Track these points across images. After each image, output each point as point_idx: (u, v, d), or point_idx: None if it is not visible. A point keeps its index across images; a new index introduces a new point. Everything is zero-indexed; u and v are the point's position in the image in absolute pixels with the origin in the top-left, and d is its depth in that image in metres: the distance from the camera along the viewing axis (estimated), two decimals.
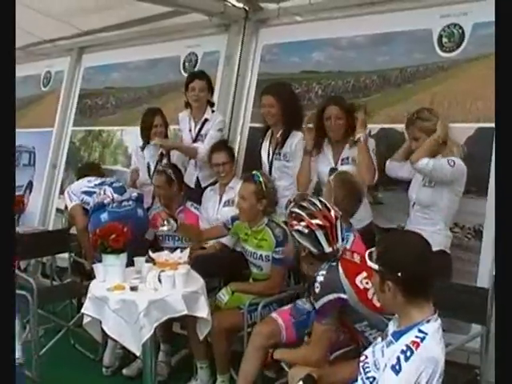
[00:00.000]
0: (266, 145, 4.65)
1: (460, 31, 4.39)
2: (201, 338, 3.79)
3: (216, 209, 4.69)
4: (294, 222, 3.14)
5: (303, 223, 3.09)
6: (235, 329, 3.97)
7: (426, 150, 3.72)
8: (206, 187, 4.95)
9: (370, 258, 2.35)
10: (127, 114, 5.51)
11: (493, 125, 4.10)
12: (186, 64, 6.02)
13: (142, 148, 5.19)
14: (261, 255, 4.08)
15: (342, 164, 4.19)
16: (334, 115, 4.14)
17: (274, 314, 3.73)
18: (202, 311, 3.65)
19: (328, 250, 3.06)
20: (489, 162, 4.11)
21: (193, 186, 5.05)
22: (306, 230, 3.08)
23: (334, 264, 3.00)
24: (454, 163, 3.70)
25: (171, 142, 5.20)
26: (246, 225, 4.16)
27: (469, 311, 3.55)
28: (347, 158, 4.19)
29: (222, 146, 4.79)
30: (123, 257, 3.76)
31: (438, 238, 3.68)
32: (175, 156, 5.14)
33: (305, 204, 3.15)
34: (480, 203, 4.13)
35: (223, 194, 4.69)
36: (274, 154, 4.56)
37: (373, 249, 2.39)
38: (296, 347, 3.33)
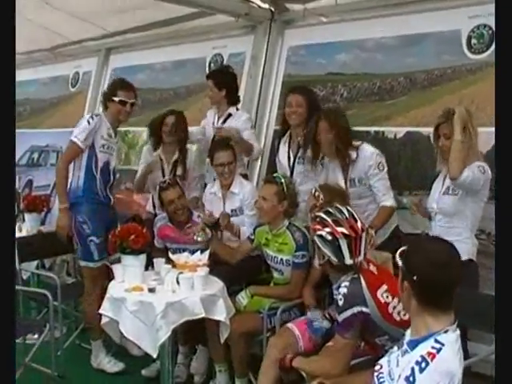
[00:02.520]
0: (284, 148, 4.57)
1: (490, 32, 4.28)
2: (221, 340, 3.74)
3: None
4: (318, 227, 3.05)
5: (327, 229, 3.00)
6: (254, 332, 3.92)
7: (460, 160, 3.47)
8: None
9: (400, 255, 2.25)
10: (153, 115, 5.48)
11: None
12: (212, 65, 6.00)
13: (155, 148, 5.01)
14: (281, 259, 4.02)
15: (350, 186, 4.08)
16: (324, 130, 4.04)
17: (289, 324, 3.67)
18: (220, 314, 3.61)
19: (349, 261, 2.97)
20: None
21: None
22: (330, 237, 2.99)
23: (356, 276, 2.93)
24: (484, 170, 3.54)
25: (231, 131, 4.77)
26: (267, 229, 4.10)
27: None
28: (354, 180, 4.08)
29: (225, 144, 4.58)
30: (142, 258, 3.74)
31: (465, 247, 3.50)
32: (192, 160, 5.02)
33: (331, 210, 3.06)
34: None
35: (226, 199, 4.54)
36: (295, 157, 4.48)
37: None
38: (314, 355, 3.27)
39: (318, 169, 4.27)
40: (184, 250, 4.28)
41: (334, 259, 3.00)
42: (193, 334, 4.25)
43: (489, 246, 4.07)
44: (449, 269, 2.14)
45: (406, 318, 2.80)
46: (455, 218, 3.66)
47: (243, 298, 3.99)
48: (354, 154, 4.03)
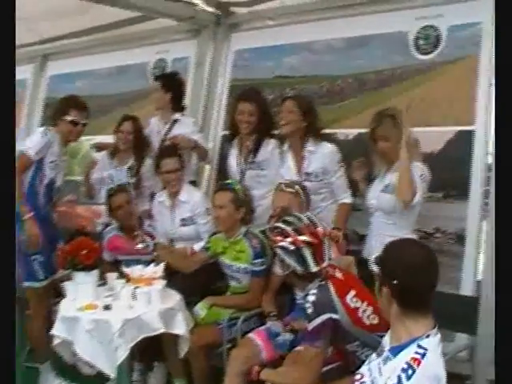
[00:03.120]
0: (234, 153, 4.49)
1: (436, 33, 4.32)
2: (181, 355, 3.61)
3: (172, 225, 4.42)
4: (279, 238, 2.96)
5: (289, 239, 2.92)
6: (214, 345, 3.80)
7: (409, 183, 3.44)
8: None
9: (375, 261, 2.20)
10: (95, 123, 5.28)
11: (472, 128, 4.06)
12: (156, 71, 5.85)
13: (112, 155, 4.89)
14: (239, 268, 3.92)
15: (305, 180, 4.01)
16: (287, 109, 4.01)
17: (250, 335, 3.60)
18: (180, 328, 3.48)
19: (314, 269, 2.90)
20: (469, 166, 4.04)
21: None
22: (292, 247, 2.91)
23: (323, 283, 2.86)
24: (425, 177, 3.56)
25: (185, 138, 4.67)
26: (224, 237, 3.99)
27: (456, 320, 3.44)
28: (311, 174, 4.04)
29: (173, 151, 4.47)
30: (95, 273, 3.58)
31: None
32: (145, 169, 4.83)
33: (289, 219, 2.99)
34: (461, 207, 4.06)
35: (175, 208, 4.41)
36: (246, 163, 4.40)
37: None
38: (278, 365, 3.19)
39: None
40: (137, 262, 4.11)
41: (299, 269, 2.93)
42: (149, 350, 4.09)
43: (444, 244, 4.09)
44: (428, 271, 2.13)
45: (376, 322, 2.80)
46: (394, 215, 3.65)
47: (201, 309, 3.86)
48: (312, 147, 4.00)
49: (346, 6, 4.71)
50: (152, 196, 4.78)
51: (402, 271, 2.10)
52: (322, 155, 4.01)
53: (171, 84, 4.85)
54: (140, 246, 4.09)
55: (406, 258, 2.14)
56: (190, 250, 4.27)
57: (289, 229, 2.93)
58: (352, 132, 4.54)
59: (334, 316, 2.79)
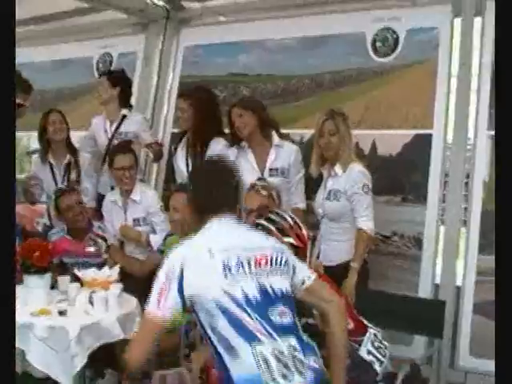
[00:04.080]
0: (182, 153, 4.35)
1: (394, 36, 4.33)
2: None
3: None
4: None
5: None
6: (172, 350, 3.65)
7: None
8: None
9: None
10: (32, 119, 5.01)
11: (430, 131, 4.09)
12: (100, 65, 5.63)
13: (43, 155, 4.64)
14: None
15: (270, 175, 3.94)
16: (237, 114, 3.94)
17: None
18: None
19: None
20: (426, 169, 4.07)
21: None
22: None
23: None
24: (369, 187, 3.58)
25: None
26: (179, 238, 3.84)
27: (422, 324, 3.45)
28: (276, 170, 3.97)
29: (127, 147, 4.32)
30: (48, 277, 3.36)
31: (347, 247, 3.58)
32: (86, 164, 4.66)
33: (274, 217, 2.86)
34: (418, 211, 4.08)
35: (127, 207, 4.25)
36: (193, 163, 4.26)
37: None
38: None
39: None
40: (85, 265, 3.94)
41: None
42: (100, 355, 3.89)
43: (402, 247, 4.09)
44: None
45: (351, 326, 2.71)
46: (339, 220, 3.67)
47: None
48: (278, 142, 3.95)
49: (300, 6, 4.66)
50: (100, 195, 4.60)
51: None
52: (288, 151, 3.97)
53: (119, 78, 4.66)
54: (91, 248, 3.88)
55: None
56: (145, 237, 4.12)
57: (273, 228, 2.81)
58: (307, 133, 4.46)
59: (310, 321, 2.70)
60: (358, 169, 3.61)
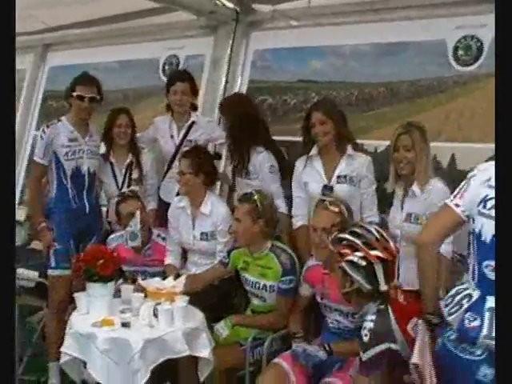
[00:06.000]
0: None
1: (478, 44, 4.07)
2: (201, 378, 3.31)
3: (191, 238, 4.07)
4: (347, 251, 2.69)
5: (359, 254, 2.65)
6: (236, 367, 3.51)
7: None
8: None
9: None
10: (98, 120, 4.96)
11: None
12: (167, 67, 5.54)
13: (105, 155, 4.55)
14: (265, 285, 3.63)
15: (338, 182, 3.78)
16: (319, 120, 3.74)
17: (276, 360, 3.31)
18: (204, 350, 3.20)
19: (384, 287, 2.64)
20: None
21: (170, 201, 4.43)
22: (364, 263, 2.64)
23: (383, 307, 2.59)
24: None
25: None
26: (246, 251, 3.70)
27: None
28: (345, 177, 3.78)
29: (193, 152, 4.14)
30: (111, 286, 3.28)
31: None
32: (148, 165, 4.57)
33: (359, 230, 2.71)
34: None
35: (196, 219, 4.06)
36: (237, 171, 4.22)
37: None
38: None
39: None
40: (143, 273, 3.96)
41: (367, 287, 2.66)
42: (159, 368, 3.78)
43: None
44: None
45: None
46: None
47: (223, 328, 3.55)
48: (351, 152, 3.77)
49: (375, 11, 4.45)
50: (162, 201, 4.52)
51: None
52: (361, 161, 3.79)
53: (195, 83, 4.56)
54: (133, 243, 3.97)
55: None
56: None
57: (358, 242, 2.65)
58: (381, 144, 4.26)
59: (393, 346, 2.53)
60: (438, 187, 3.35)
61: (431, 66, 4.24)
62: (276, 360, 3.31)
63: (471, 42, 4.10)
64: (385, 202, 3.77)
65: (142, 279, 3.66)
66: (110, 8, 5.32)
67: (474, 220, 2.35)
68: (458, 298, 2.34)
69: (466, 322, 2.28)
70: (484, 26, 4.05)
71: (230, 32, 5.14)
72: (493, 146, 3.90)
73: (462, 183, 2.44)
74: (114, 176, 4.50)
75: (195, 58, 5.39)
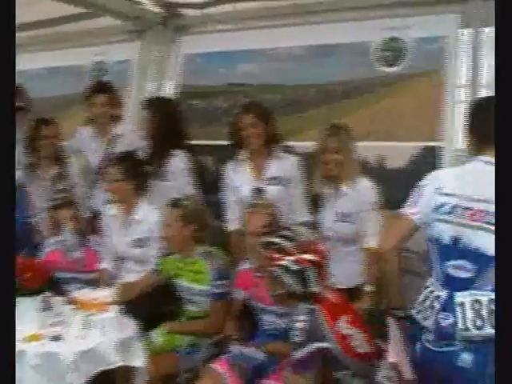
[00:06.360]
0: None
1: (402, 45, 4.17)
2: None
3: (124, 244, 3.98)
4: (278, 256, 2.68)
5: (291, 258, 2.64)
6: (172, 374, 3.45)
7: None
8: None
9: None
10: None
11: (438, 143, 3.95)
12: (94, 73, 5.44)
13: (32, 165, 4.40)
14: (198, 290, 3.59)
15: (268, 184, 3.79)
16: (250, 123, 3.74)
17: (213, 365, 3.27)
18: (138, 359, 3.12)
19: (315, 289, 2.64)
20: None
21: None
22: (295, 267, 2.64)
23: (314, 307, 2.59)
24: (377, 203, 3.41)
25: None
26: (178, 257, 3.66)
27: None
28: (274, 178, 3.80)
29: (123, 158, 4.05)
30: (39, 299, 3.13)
31: (360, 268, 3.40)
32: (74, 172, 4.45)
33: (289, 234, 2.70)
34: None
35: (128, 225, 3.99)
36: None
37: None
38: None
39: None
40: (76, 280, 3.86)
41: (299, 290, 2.65)
42: (95, 381, 3.69)
43: (410, 263, 3.91)
44: None
45: (368, 350, 2.56)
46: (352, 242, 3.49)
47: (158, 335, 3.50)
48: (279, 154, 3.81)
49: (304, 13, 4.50)
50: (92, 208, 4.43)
51: None
52: (289, 162, 3.82)
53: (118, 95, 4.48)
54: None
55: None
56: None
57: (289, 245, 2.64)
58: (311, 145, 4.28)
59: (325, 345, 2.54)
60: (366, 185, 3.43)
61: (359, 68, 4.35)
62: (212, 365, 3.28)
63: (395, 43, 4.19)
64: (314, 203, 3.79)
65: (77, 287, 3.60)
66: (36, 14, 5.18)
67: (430, 226, 2.48)
68: (428, 302, 2.45)
69: (441, 321, 2.38)
70: (407, 28, 4.16)
71: (157, 36, 5.11)
72: (419, 144, 4.09)
73: (414, 192, 2.56)
74: (41, 187, 4.37)
75: (122, 64, 5.34)
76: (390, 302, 2.68)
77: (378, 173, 3.96)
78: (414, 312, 2.52)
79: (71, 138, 4.59)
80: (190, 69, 5.04)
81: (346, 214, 3.43)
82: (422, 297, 2.50)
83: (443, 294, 2.41)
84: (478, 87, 3.97)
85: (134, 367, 3.17)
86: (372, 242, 3.31)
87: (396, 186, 4.03)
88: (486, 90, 3.89)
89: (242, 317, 3.63)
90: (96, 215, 4.35)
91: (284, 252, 2.67)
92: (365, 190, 3.41)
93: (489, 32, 3.96)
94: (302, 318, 2.59)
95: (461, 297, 2.35)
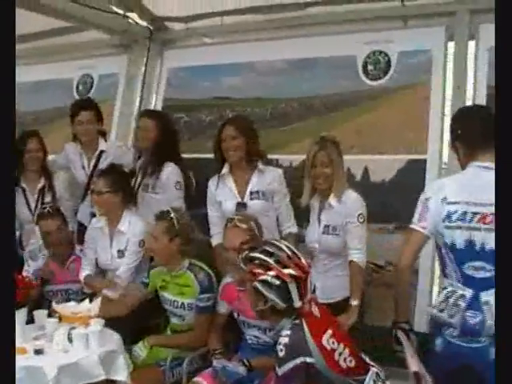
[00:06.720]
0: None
1: (386, 59, 4.22)
2: None
3: (109, 256, 3.99)
4: (259, 271, 2.66)
5: (272, 273, 2.62)
6: None
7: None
8: None
9: None
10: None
11: (424, 156, 3.97)
12: (80, 87, 5.44)
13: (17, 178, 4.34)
14: (183, 303, 3.58)
15: (251, 199, 3.79)
16: (230, 135, 3.74)
17: (196, 379, 3.25)
18: (122, 373, 3.09)
19: (298, 304, 2.62)
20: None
21: (87, 223, 4.33)
22: (277, 282, 2.62)
23: (298, 322, 2.58)
24: (364, 216, 3.40)
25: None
26: (164, 270, 3.65)
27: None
28: (257, 192, 3.79)
29: (109, 171, 4.03)
30: (23, 312, 3.15)
31: (347, 282, 3.37)
32: (60, 186, 4.44)
33: (270, 249, 2.69)
34: None
35: (113, 237, 4.00)
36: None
37: None
38: None
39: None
40: (66, 292, 3.89)
41: (281, 304, 2.63)
42: None
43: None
44: None
45: (352, 364, 2.57)
46: (339, 255, 3.47)
47: (141, 349, 3.47)
48: (261, 167, 3.79)
49: (290, 27, 4.54)
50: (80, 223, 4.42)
51: None
52: (271, 175, 3.80)
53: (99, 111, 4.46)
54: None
55: None
56: (117, 282, 3.86)
57: (271, 260, 2.64)
58: (297, 158, 4.31)
59: (309, 359, 2.53)
60: (353, 198, 3.43)
61: (343, 81, 4.37)
62: (195, 379, 3.25)
63: (379, 56, 4.23)
64: (301, 216, 3.80)
65: (67, 299, 3.64)
66: (23, 27, 5.17)
67: (442, 234, 2.62)
68: (451, 300, 2.57)
69: (469, 319, 2.52)
70: (391, 42, 4.20)
71: (143, 50, 5.15)
72: (403, 157, 4.10)
73: (420, 207, 2.68)
74: (27, 201, 4.35)
75: (109, 77, 5.34)
76: (399, 317, 2.77)
77: (362, 186, 3.97)
78: (435, 311, 2.61)
79: (57, 154, 4.58)
80: (176, 82, 5.05)
81: (333, 226, 3.44)
82: (442, 297, 2.62)
83: (467, 292, 2.53)
84: (464, 100, 4.01)
85: (117, 381, 3.17)
86: (357, 256, 3.35)
87: (381, 200, 4.07)
88: (472, 103, 3.93)
89: (226, 329, 3.63)
90: (81, 228, 4.36)
91: (265, 267, 2.66)
92: (351, 202, 3.41)
93: (473, 44, 4.02)
94: (286, 332, 2.57)
95: (486, 296, 2.49)
